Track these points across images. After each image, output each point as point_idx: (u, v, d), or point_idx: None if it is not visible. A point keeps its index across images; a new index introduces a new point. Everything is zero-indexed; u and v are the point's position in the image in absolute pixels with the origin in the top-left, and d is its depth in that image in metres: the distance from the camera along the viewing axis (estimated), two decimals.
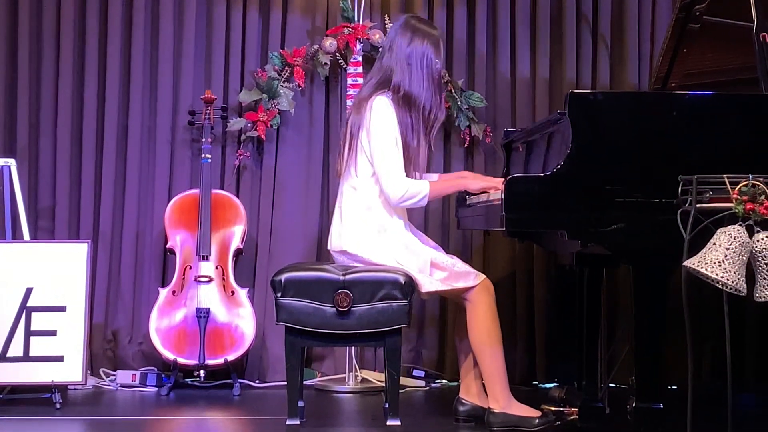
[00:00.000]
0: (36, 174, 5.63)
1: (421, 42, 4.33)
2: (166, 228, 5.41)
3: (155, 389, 5.29)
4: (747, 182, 3.38)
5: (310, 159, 5.70)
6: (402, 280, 4.03)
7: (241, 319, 5.28)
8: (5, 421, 4.49)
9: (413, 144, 4.29)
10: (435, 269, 4.23)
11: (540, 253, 5.56)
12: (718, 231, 3.37)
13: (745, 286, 3.35)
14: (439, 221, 5.70)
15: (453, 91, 5.61)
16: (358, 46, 5.57)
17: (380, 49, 4.67)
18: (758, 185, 3.37)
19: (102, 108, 5.66)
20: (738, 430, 3.52)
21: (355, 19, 5.60)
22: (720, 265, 3.31)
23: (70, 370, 4.84)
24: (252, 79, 5.67)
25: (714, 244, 3.35)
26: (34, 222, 5.56)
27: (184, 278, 5.32)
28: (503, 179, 3.95)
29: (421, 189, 4.23)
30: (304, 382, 4.57)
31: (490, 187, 4.32)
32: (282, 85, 5.60)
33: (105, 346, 5.55)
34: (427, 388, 5.48)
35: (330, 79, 5.72)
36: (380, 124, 4.25)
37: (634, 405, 3.82)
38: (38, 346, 4.84)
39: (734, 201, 3.37)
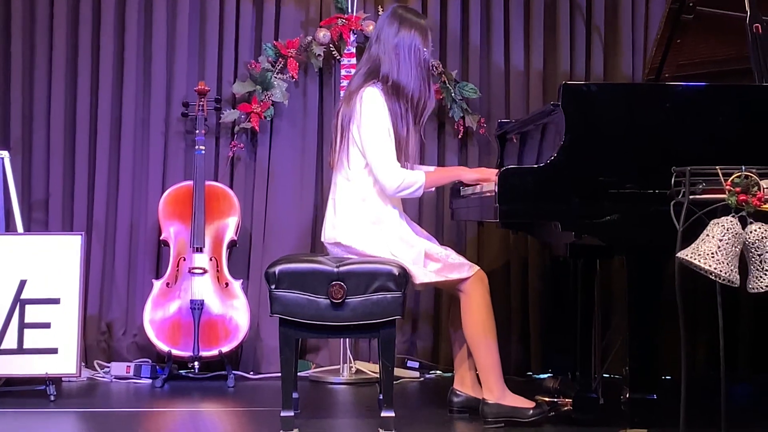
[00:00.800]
0: (29, 166, 5.63)
1: (408, 31, 4.33)
2: (160, 220, 5.41)
3: (150, 381, 5.29)
4: (740, 173, 3.38)
5: (304, 150, 5.70)
6: (396, 271, 4.02)
7: (235, 311, 5.28)
8: None
9: (403, 133, 4.28)
10: (429, 261, 4.24)
11: (534, 244, 5.56)
12: (711, 222, 3.38)
13: (738, 277, 3.35)
14: (433, 212, 5.70)
15: (447, 82, 5.61)
16: (352, 38, 5.57)
17: (369, 40, 4.67)
18: (751, 176, 3.37)
19: (95, 100, 5.65)
20: (731, 421, 3.53)
21: (349, 10, 5.60)
22: (713, 257, 3.31)
23: (65, 363, 4.84)
24: (246, 71, 5.67)
25: (707, 235, 3.36)
26: (28, 214, 5.55)
27: (178, 270, 5.32)
28: (497, 171, 3.95)
29: (417, 179, 4.23)
30: (299, 374, 4.57)
31: (485, 179, 4.33)
32: (276, 77, 5.59)
33: (99, 338, 5.55)
34: (422, 379, 5.49)
35: (324, 71, 5.72)
36: (371, 115, 4.24)
37: (628, 396, 3.83)
38: (32, 338, 4.84)
39: (727, 192, 3.38)
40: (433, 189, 4.76)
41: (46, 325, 4.86)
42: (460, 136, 5.69)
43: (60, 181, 5.60)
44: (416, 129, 4.36)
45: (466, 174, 4.47)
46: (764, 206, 3.37)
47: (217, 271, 5.33)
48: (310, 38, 5.62)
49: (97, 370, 5.43)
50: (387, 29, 4.35)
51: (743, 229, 3.36)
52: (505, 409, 4.20)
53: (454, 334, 4.48)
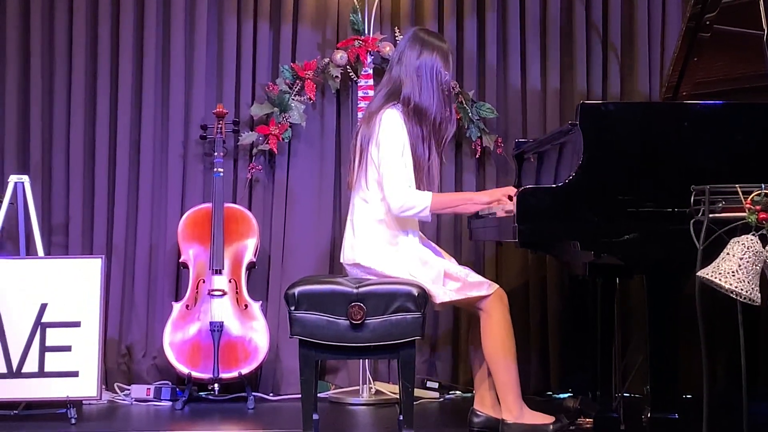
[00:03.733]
0: (49, 190, 5.66)
1: (430, 54, 4.34)
2: (179, 242, 5.42)
3: (170, 403, 5.30)
4: (760, 191, 3.38)
5: (322, 172, 5.71)
6: (415, 292, 4.02)
7: (254, 332, 5.29)
8: None
9: (424, 156, 4.29)
10: (448, 280, 4.23)
11: (553, 263, 5.55)
12: (732, 241, 3.37)
13: (759, 295, 3.34)
14: (452, 232, 5.70)
15: (464, 102, 5.62)
16: (369, 59, 5.59)
17: (389, 61, 4.67)
18: None
19: (114, 123, 5.68)
20: None
21: (365, 31, 5.62)
22: (734, 275, 3.30)
23: (85, 385, 4.85)
24: (263, 93, 5.69)
25: (727, 254, 3.35)
26: (48, 238, 5.58)
27: (197, 292, 5.33)
28: (510, 189, 3.95)
29: (422, 199, 4.21)
30: (318, 395, 4.57)
31: (497, 200, 4.30)
32: (293, 99, 5.61)
33: (119, 361, 5.57)
34: (441, 399, 5.48)
35: (341, 92, 5.74)
36: (389, 135, 4.25)
37: (649, 415, 3.82)
38: (53, 361, 4.85)
39: (747, 210, 3.37)
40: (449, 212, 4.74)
41: (67, 348, 4.87)
42: (477, 156, 5.70)
43: (80, 205, 5.63)
44: (438, 152, 4.36)
45: (478, 198, 4.42)
46: None
47: (237, 292, 5.34)
48: (327, 60, 5.64)
49: (117, 393, 5.44)
50: (408, 51, 4.36)
51: (764, 247, 3.35)
52: (525, 428, 4.19)
53: (473, 354, 4.47)
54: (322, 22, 5.76)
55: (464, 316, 5.46)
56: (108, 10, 5.67)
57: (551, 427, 4.21)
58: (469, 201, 4.44)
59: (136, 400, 5.35)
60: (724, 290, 3.33)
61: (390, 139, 4.24)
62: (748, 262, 3.31)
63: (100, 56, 5.68)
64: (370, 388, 5.43)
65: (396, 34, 5.64)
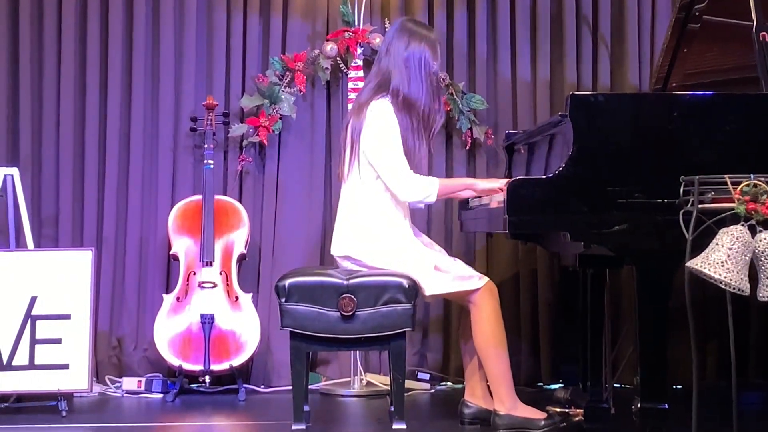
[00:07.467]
0: (39, 182, 5.64)
1: (418, 45, 4.33)
2: (170, 234, 5.42)
3: (161, 395, 5.30)
4: (749, 182, 3.38)
5: (313, 163, 5.71)
6: (406, 283, 4.03)
7: (245, 325, 5.28)
8: (11, 430, 4.50)
9: (414, 146, 4.28)
10: (438, 272, 4.23)
11: (543, 254, 5.56)
12: (721, 231, 3.37)
13: (748, 285, 3.35)
14: (442, 224, 5.70)
15: (454, 93, 5.62)
16: (359, 50, 5.58)
17: (378, 53, 4.66)
18: (760, 185, 3.37)
19: (104, 115, 5.67)
20: (743, 429, 3.52)
21: (355, 23, 5.61)
22: (723, 266, 3.31)
23: (76, 378, 4.85)
24: (253, 85, 5.68)
25: (716, 244, 3.35)
26: (38, 230, 5.56)
27: (188, 284, 5.33)
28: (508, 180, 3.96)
29: (430, 183, 4.23)
30: (310, 387, 4.57)
31: (497, 189, 4.30)
32: (283, 90, 5.61)
33: (110, 353, 5.56)
34: (432, 390, 5.48)
35: (331, 84, 5.73)
36: (380, 125, 4.24)
37: (639, 405, 3.82)
38: (43, 354, 4.85)
39: (736, 201, 3.38)
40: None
41: (57, 341, 4.87)
42: (468, 148, 5.70)
43: (69, 197, 5.62)
44: (426, 143, 4.36)
45: (479, 185, 4.45)
46: None
47: (227, 284, 5.34)
48: (317, 51, 5.64)
49: (108, 385, 5.44)
50: (397, 42, 4.34)
51: (753, 237, 3.36)
52: (516, 420, 4.20)
53: (464, 346, 4.48)
54: (312, 14, 5.75)
55: (455, 308, 5.47)
56: (97, 2, 5.66)
57: (543, 422, 4.22)
58: (471, 186, 4.47)
59: (127, 392, 5.35)
60: (714, 280, 3.34)
61: (382, 129, 4.23)
62: (737, 252, 3.32)
63: (89, 48, 5.66)
64: (361, 380, 5.43)
65: (386, 26, 5.63)
